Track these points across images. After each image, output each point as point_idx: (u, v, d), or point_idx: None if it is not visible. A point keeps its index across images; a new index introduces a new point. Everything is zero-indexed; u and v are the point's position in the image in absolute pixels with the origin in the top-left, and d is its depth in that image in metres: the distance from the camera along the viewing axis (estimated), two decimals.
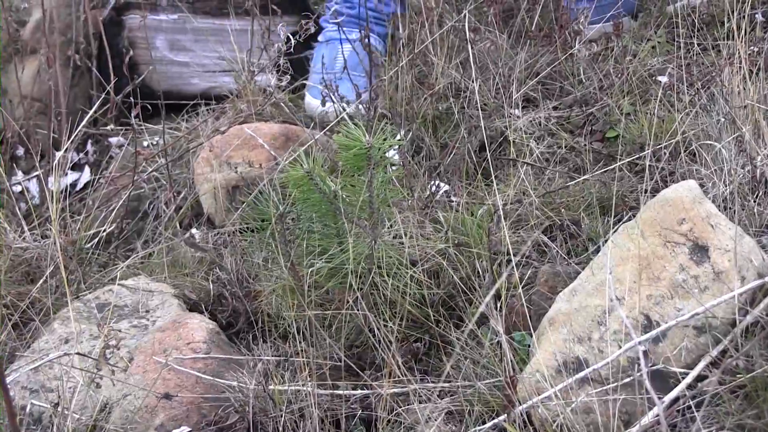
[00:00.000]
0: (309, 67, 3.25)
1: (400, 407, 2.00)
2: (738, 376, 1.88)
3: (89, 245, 2.70)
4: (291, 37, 2.97)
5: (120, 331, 2.29)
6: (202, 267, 2.58)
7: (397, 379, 2.03)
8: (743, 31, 2.44)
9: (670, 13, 3.09)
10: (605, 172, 2.57)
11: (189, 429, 2.05)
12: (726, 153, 2.29)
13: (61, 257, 2.28)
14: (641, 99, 2.79)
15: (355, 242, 2.11)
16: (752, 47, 2.64)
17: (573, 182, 2.55)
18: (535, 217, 2.46)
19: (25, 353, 2.29)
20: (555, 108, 2.93)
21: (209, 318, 2.33)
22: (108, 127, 3.16)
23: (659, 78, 2.83)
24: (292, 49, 2.97)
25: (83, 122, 2.70)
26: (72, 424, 2.04)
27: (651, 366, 1.85)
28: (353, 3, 3.19)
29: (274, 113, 3.04)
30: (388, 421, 1.99)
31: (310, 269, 2.13)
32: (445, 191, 2.61)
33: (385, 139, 2.05)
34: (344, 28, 3.08)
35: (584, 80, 2.93)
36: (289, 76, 3.05)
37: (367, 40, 2.88)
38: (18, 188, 3.07)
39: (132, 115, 2.75)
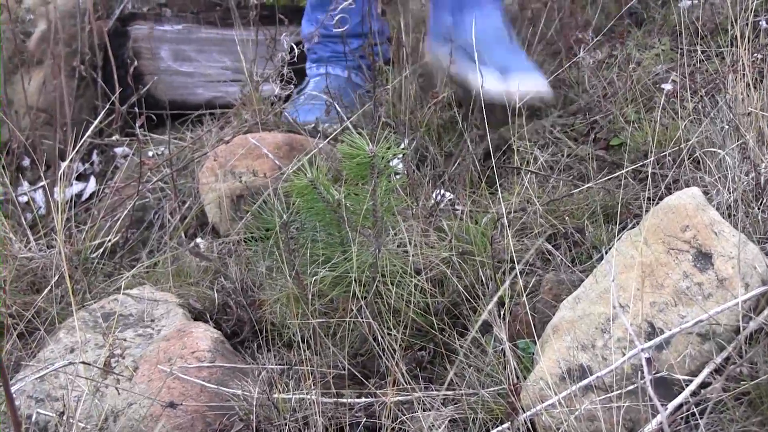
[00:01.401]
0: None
1: (405, 415, 2.00)
2: (742, 383, 1.87)
3: (94, 255, 2.71)
4: (295, 46, 2.98)
5: (125, 340, 2.29)
6: (207, 276, 2.59)
7: (401, 387, 2.03)
8: (747, 39, 2.44)
9: (674, 21, 3.09)
10: (609, 179, 2.57)
11: None
12: (730, 160, 2.29)
13: (66, 267, 2.29)
14: (645, 107, 2.79)
15: (359, 251, 2.12)
16: (756, 54, 2.64)
17: (577, 190, 2.55)
18: (539, 225, 2.46)
19: (31, 363, 2.29)
20: (559, 116, 2.94)
21: (214, 327, 2.33)
22: (113, 138, 3.17)
23: (663, 86, 2.83)
24: (296, 59, 2.98)
25: (88, 132, 2.71)
26: None
27: (655, 373, 1.85)
28: (328, 46, 3.19)
29: (278, 123, 3.05)
30: (392, 429, 1.99)
31: (314, 278, 2.13)
32: (450, 200, 2.62)
33: (388, 148, 2.05)
34: (328, 66, 3.13)
35: (588, 89, 2.94)
36: (292, 86, 3.05)
37: (370, 49, 2.88)
38: (24, 198, 3.08)
39: (137, 125, 2.76)
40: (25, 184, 3.14)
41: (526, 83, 2.73)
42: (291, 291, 2.18)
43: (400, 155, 2.60)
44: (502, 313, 2.08)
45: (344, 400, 2.07)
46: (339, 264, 2.13)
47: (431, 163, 2.83)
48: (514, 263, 2.18)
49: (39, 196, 3.10)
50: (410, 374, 2.08)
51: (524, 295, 2.06)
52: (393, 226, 2.21)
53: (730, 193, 2.24)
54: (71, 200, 3.02)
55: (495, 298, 1.84)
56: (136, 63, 3.15)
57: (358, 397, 2.10)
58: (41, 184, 3.05)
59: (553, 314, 2.08)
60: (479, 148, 2.81)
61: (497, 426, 1.96)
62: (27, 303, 2.45)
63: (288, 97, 3.13)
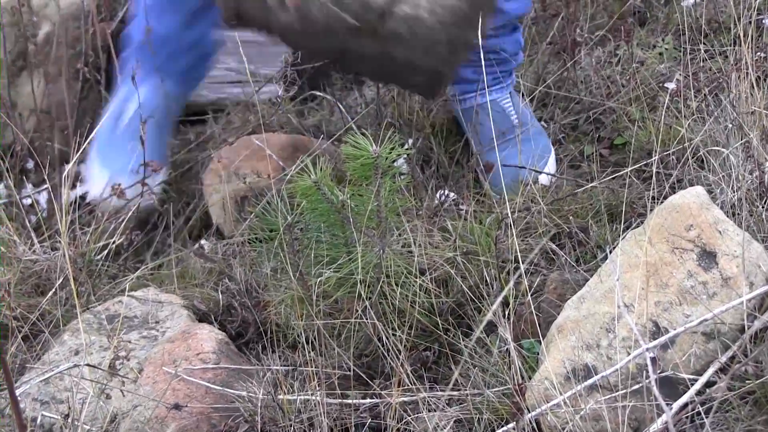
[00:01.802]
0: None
1: (410, 416, 2.00)
2: (747, 382, 1.88)
3: (99, 257, 2.70)
4: None
5: (130, 342, 2.30)
6: (212, 278, 2.59)
7: (406, 387, 2.03)
8: (750, 37, 2.44)
9: (677, 20, 3.09)
10: (613, 179, 2.57)
11: None
12: (734, 159, 2.29)
13: (70, 269, 2.29)
14: (648, 106, 2.79)
15: (364, 251, 2.12)
16: (759, 53, 2.64)
17: (581, 189, 2.55)
18: (543, 225, 2.46)
19: (36, 365, 2.29)
20: (564, 116, 2.94)
21: (218, 328, 2.33)
22: None
23: (666, 84, 2.83)
24: (299, 60, 2.97)
25: (92, 134, 2.71)
26: None
27: (660, 373, 1.86)
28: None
29: (282, 124, 3.05)
30: (398, 429, 1.99)
31: (319, 279, 2.13)
32: (454, 200, 2.62)
33: (392, 149, 2.05)
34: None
35: (593, 90, 2.93)
36: (296, 87, 3.05)
37: None
38: (28, 201, 3.08)
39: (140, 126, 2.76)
40: (29, 186, 3.14)
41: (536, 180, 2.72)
42: (296, 292, 2.18)
43: (405, 155, 2.60)
44: (506, 313, 2.08)
45: (349, 401, 2.07)
46: (344, 265, 2.13)
47: (435, 163, 2.83)
48: (519, 263, 2.18)
49: (43, 198, 3.10)
50: (415, 374, 2.08)
51: (529, 295, 2.06)
52: (397, 226, 2.21)
53: (734, 192, 2.24)
54: (75, 202, 3.01)
55: (499, 299, 1.83)
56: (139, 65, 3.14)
57: (363, 397, 2.10)
58: (45, 186, 3.04)
59: (558, 314, 2.08)
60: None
61: (502, 426, 1.96)
62: (31, 306, 2.45)
63: (293, 99, 3.13)
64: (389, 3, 2.19)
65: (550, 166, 2.75)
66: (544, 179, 2.68)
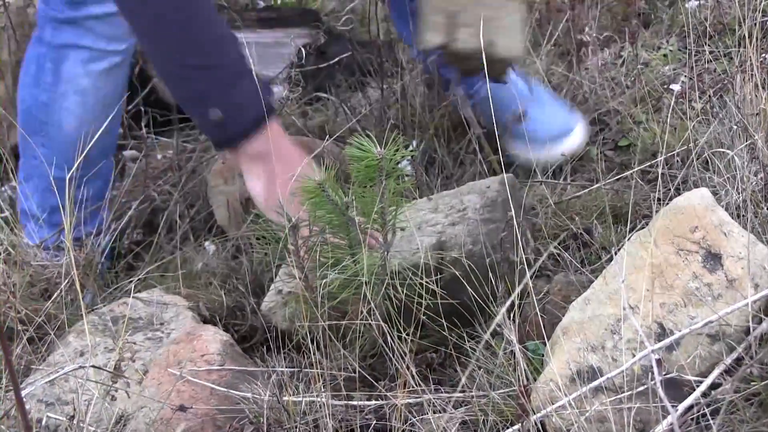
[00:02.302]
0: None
1: (415, 417, 2.00)
2: (752, 383, 1.87)
3: (103, 258, 2.71)
4: (302, 48, 2.98)
5: (135, 343, 2.30)
6: (216, 279, 2.59)
7: (411, 389, 2.03)
8: (755, 39, 2.44)
9: (681, 21, 3.09)
10: (618, 180, 2.57)
11: None
12: (738, 160, 2.29)
13: (75, 271, 2.28)
14: (653, 107, 2.79)
15: (369, 253, 2.11)
16: (764, 54, 2.64)
17: (585, 191, 2.55)
18: (548, 227, 2.46)
19: (41, 366, 2.29)
20: None
21: (223, 330, 2.33)
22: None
23: (671, 86, 2.84)
24: (303, 61, 2.98)
25: (96, 136, 2.71)
26: None
27: (665, 374, 1.85)
28: None
29: (286, 125, 3.04)
30: (403, 431, 1.99)
31: (324, 281, 2.13)
32: None
33: (396, 150, 2.05)
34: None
35: (598, 91, 2.94)
36: (300, 88, 3.05)
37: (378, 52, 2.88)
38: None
39: (142, 124, 2.75)
40: None
41: (561, 149, 2.72)
42: (301, 293, 2.18)
43: (409, 157, 2.60)
44: (511, 314, 2.08)
45: (354, 403, 2.07)
46: (348, 267, 2.12)
47: (439, 165, 2.83)
48: (524, 265, 2.18)
49: None
50: (420, 376, 2.08)
51: (534, 297, 2.06)
52: (402, 227, 2.20)
53: (739, 194, 2.24)
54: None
55: (508, 303, 1.83)
56: (141, 64, 3.15)
57: (369, 399, 2.10)
58: None
59: (563, 316, 2.07)
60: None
61: (508, 428, 1.95)
62: (37, 309, 2.45)
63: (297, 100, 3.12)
64: None
65: (578, 133, 2.74)
66: (569, 148, 2.68)
